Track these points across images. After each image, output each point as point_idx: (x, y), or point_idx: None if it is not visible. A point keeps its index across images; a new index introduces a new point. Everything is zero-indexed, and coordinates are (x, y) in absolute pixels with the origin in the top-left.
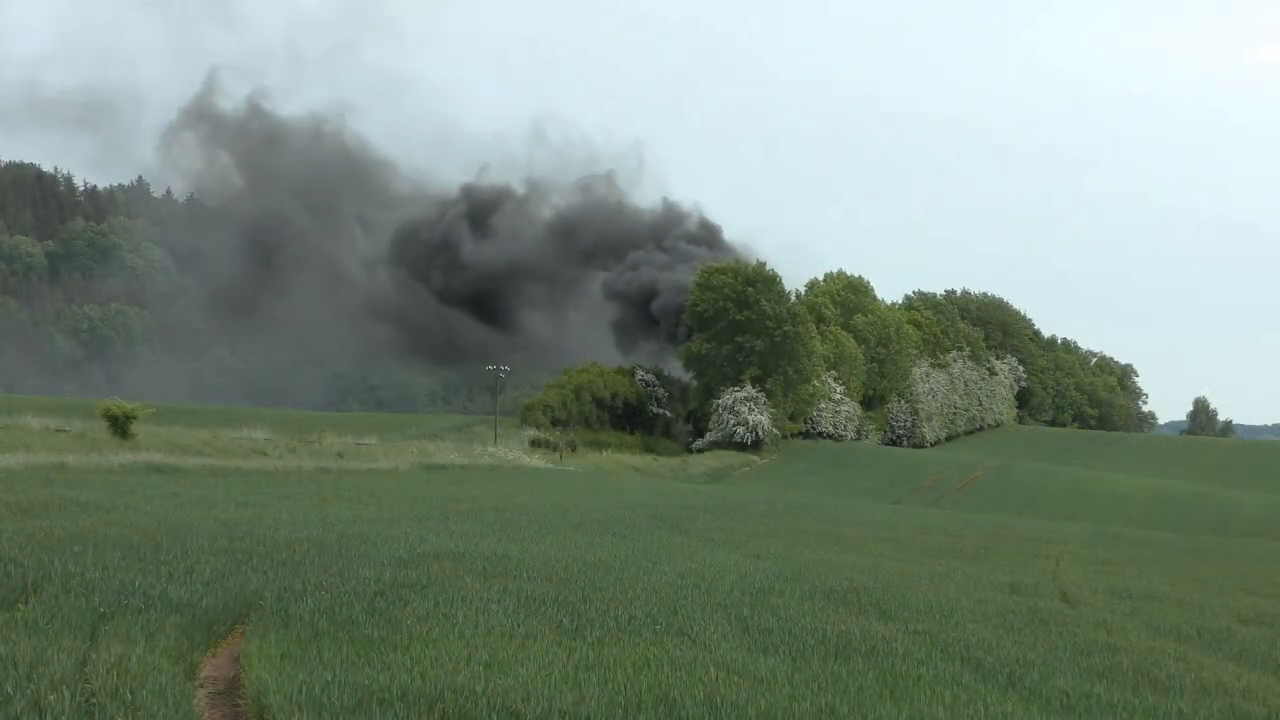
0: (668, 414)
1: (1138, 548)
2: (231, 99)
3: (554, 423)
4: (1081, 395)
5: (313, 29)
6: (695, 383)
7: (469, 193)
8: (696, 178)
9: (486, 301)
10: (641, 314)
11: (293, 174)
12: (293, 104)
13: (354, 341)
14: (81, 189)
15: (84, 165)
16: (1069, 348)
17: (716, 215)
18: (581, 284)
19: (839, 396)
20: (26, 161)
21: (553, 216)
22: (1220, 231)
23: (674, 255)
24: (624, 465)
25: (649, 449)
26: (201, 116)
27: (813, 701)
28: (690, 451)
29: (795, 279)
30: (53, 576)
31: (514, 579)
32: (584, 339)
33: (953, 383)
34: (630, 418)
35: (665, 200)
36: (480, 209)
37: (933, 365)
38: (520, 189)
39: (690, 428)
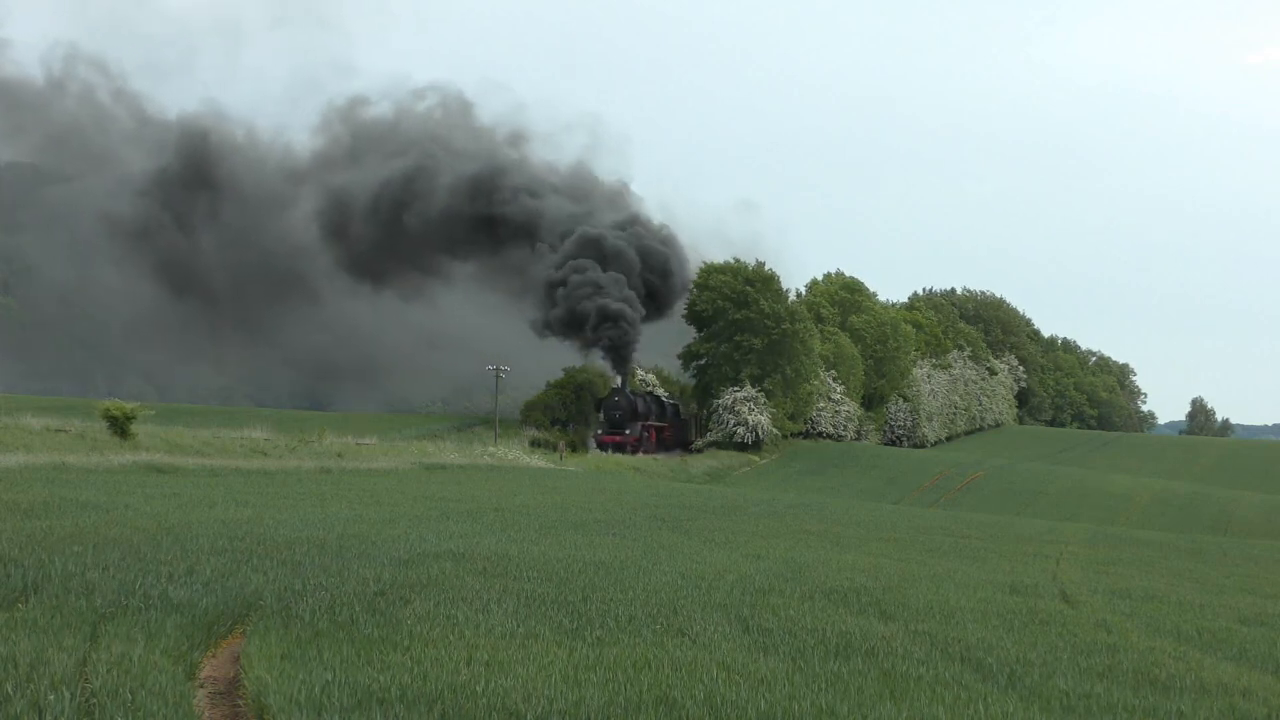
0: (691, 416)
1: (1137, 548)
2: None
3: (554, 423)
4: (1081, 395)
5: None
6: (696, 380)
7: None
8: (691, 175)
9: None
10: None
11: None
12: (233, 95)
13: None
14: None
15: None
16: (1068, 347)
17: (710, 213)
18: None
19: (838, 396)
20: (27, 161)
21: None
22: (1219, 232)
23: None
24: (624, 465)
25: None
26: None
27: (813, 702)
28: (599, 448)
29: (789, 279)
30: (53, 576)
31: (514, 579)
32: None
33: (953, 383)
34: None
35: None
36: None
37: (934, 366)
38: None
39: (602, 416)
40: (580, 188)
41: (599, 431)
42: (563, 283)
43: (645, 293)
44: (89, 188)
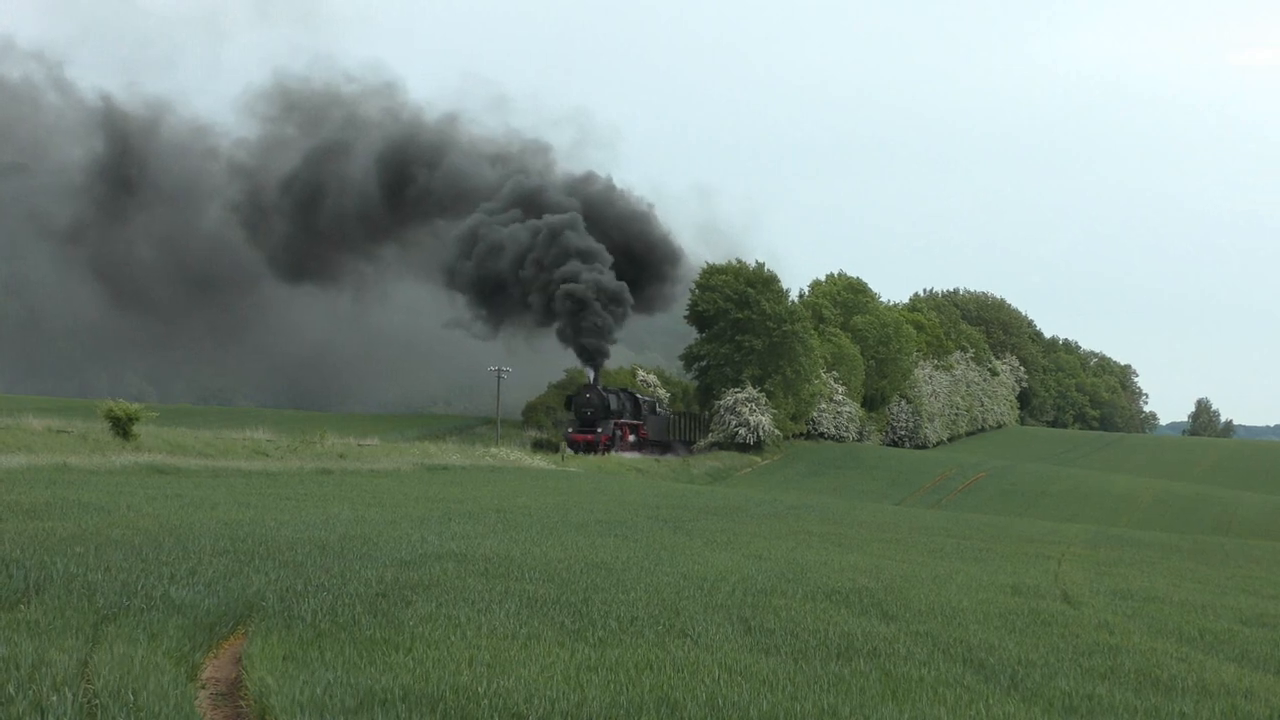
0: (669, 414)
1: (1139, 549)
2: None
3: (556, 424)
4: (1083, 396)
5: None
6: (698, 381)
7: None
8: (687, 172)
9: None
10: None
11: None
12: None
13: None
14: None
15: None
16: (1069, 348)
17: (708, 210)
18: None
19: (840, 397)
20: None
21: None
22: (1221, 232)
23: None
24: (625, 466)
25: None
26: None
27: (815, 702)
28: (573, 446)
29: (787, 278)
30: (54, 577)
31: (516, 580)
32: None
33: (955, 384)
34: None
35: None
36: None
37: (936, 367)
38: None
39: (573, 415)
40: (507, 151)
41: (569, 430)
42: (472, 245)
43: (615, 263)
44: (29, 183)
